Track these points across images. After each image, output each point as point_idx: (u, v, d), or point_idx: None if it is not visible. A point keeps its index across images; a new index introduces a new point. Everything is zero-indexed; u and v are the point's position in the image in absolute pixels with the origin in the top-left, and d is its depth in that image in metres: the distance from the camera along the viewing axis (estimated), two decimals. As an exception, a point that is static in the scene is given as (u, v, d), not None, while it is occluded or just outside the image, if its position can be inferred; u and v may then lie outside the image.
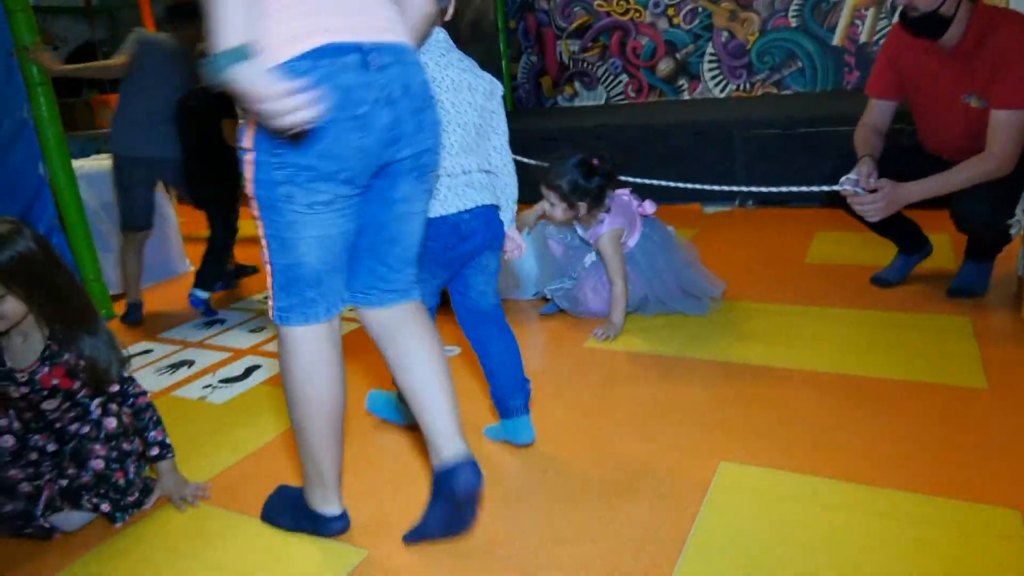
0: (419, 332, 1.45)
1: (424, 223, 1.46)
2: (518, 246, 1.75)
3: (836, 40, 4.89)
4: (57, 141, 2.91)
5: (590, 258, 2.52)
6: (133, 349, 2.70)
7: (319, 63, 1.16)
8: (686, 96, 5.43)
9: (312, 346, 1.38)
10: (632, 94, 5.62)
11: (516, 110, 6.08)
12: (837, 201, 2.39)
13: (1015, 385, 1.86)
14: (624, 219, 2.42)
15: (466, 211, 1.60)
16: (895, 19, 4.01)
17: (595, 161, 2.27)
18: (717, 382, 2.01)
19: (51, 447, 1.63)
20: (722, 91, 5.28)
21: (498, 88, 1.64)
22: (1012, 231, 2.23)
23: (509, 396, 1.76)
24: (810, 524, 1.40)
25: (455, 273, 1.72)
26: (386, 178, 1.33)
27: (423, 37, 1.49)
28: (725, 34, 5.18)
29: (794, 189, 2.52)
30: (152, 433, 1.67)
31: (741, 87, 5.20)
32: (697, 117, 4.16)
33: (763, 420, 1.80)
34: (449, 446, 1.40)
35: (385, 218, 1.37)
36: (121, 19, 7.98)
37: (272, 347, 2.59)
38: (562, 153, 2.30)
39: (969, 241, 2.43)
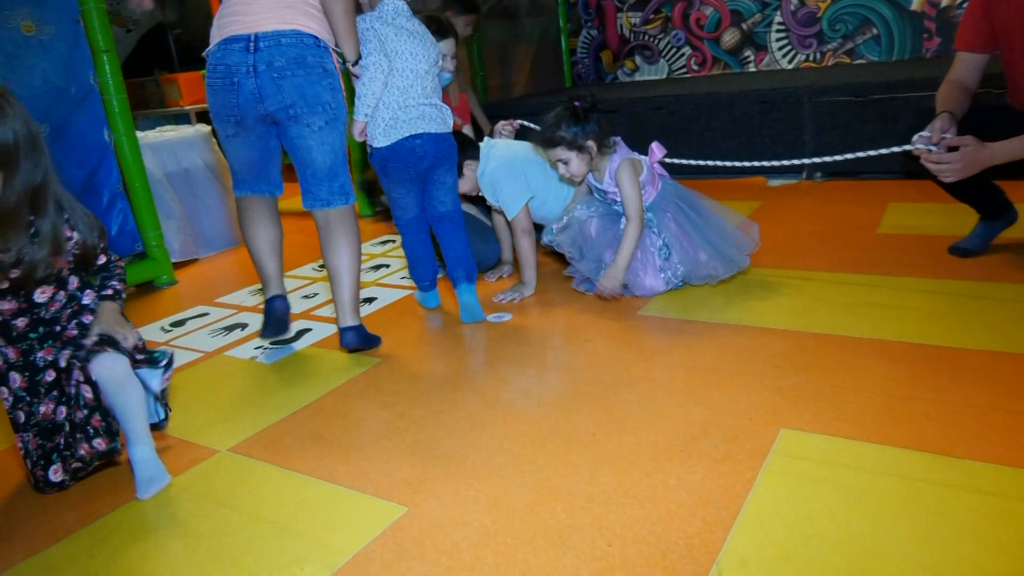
0: (337, 232, 2.09)
1: (326, 152, 2.03)
2: None
3: (915, 4, 4.62)
4: (122, 108, 2.97)
5: (623, 223, 2.40)
6: (191, 312, 2.74)
7: (220, 49, 1.94)
8: (752, 68, 5.23)
9: (242, 205, 2.19)
10: (695, 67, 5.44)
11: (575, 85, 5.97)
12: (914, 166, 2.22)
13: (1113, 357, 1.70)
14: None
15: (417, 136, 2.18)
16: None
17: (576, 103, 2.27)
18: (779, 349, 1.91)
19: (61, 363, 1.57)
20: (790, 62, 5.06)
21: (437, 51, 2.29)
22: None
23: (454, 269, 2.36)
24: (877, 493, 1.30)
25: (422, 186, 2.32)
26: (277, 124, 2.02)
27: (336, 16, 2.00)
28: (795, 2, 4.95)
29: (861, 155, 2.34)
30: (114, 280, 1.68)
31: (811, 57, 4.97)
32: (762, 86, 3.98)
33: (829, 388, 1.69)
34: (343, 317, 2.12)
35: (292, 149, 2.04)
36: (190, 2, 8.16)
37: (322, 312, 2.59)
38: (544, 119, 2.34)
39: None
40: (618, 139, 2.38)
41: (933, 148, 2.04)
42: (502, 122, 2.84)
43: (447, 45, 2.46)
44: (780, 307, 2.18)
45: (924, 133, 2.06)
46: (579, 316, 2.29)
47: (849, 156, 2.40)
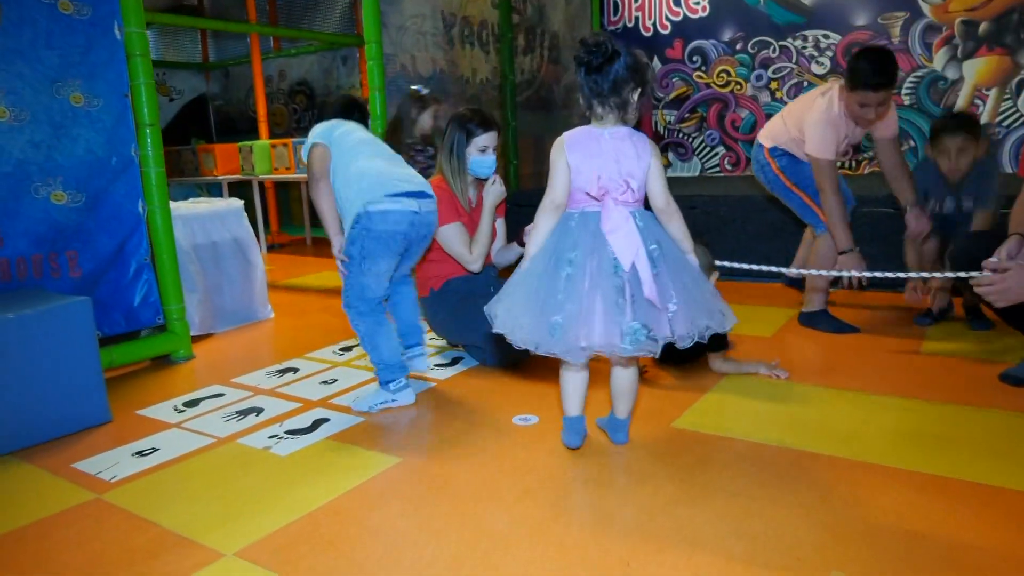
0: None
1: None
2: None
3: (952, 119, 4.63)
4: (159, 181, 2.98)
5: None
6: (205, 392, 2.66)
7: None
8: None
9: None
10: (728, 167, 5.47)
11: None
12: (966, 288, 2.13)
13: None
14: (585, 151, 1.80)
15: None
16: (1021, 101, 3.74)
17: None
18: (825, 479, 1.78)
19: None
20: (824, 168, 5.06)
21: None
22: None
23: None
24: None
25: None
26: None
27: None
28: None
29: (914, 275, 2.27)
30: None
31: (846, 165, 4.98)
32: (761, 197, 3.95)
33: (883, 530, 1.56)
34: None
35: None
36: (233, 75, 8.44)
37: (339, 401, 2.50)
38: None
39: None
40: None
41: (986, 273, 1.96)
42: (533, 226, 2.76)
43: None
44: (825, 429, 2.06)
45: (992, 259, 1.98)
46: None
47: (902, 275, 2.32)
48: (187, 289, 3.25)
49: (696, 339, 1.76)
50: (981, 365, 2.48)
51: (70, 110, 2.74)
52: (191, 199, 4.05)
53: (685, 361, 2.59)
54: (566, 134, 1.82)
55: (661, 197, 1.83)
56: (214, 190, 6.91)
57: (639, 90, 1.79)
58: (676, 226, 1.86)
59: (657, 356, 1.77)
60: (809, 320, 3.12)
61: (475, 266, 2.72)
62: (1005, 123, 4.50)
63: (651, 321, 1.71)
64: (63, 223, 2.74)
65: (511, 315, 1.78)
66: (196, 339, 3.31)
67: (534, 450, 2.04)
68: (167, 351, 3.07)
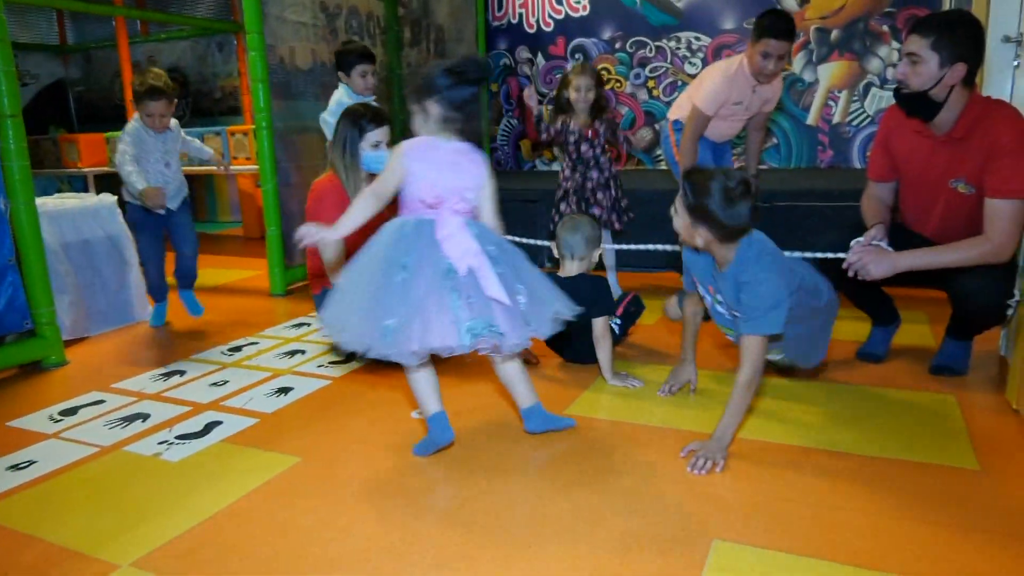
0: None
1: None
2: None
3: (810, 119, 5.03)
4: (23, 176, 2.79)
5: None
6: (83, 400, 2.53)
7: None
8: (663, 166, 5.49)
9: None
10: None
11: (495, 172, 6.09)
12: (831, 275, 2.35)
13: (1006, 467, 1.81)
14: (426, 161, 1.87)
15: None
16: (867, 102, 4.14)
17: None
18: (706, 455, 1.93)
19: None
20: (698, 163, 5.36)
21: None
22: (1009, 311, 2.23)
23: None
24: (816, 614, 1.31)
25: None
26: None
27: None
28: (702, 108, 5.28)
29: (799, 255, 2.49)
30: None
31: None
32: (675, 185, 4.17)
33: (755, 496, 1.72)
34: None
35: None
36: (96, 60, 7.91)
37: (233, 403, 2.45)
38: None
39: (954, 319, 2.42)
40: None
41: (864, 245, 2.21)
42: None
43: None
44: (705, 410, 2.23)
45: (859, 239, 2.23)
46: (506, 415, 2.26)
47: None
48: (57, 291, 3.06)
49: (564, 318, 1.91)
50: (836, 344, 2.74)
51: (-83, 99, 2.52)
52: (56, 195, 3.81)
53: (580, 357, 2.69)
54: (406, 143, 1.88)
55: (492, 216, 1.96)
56: (77, 183, 6.47)
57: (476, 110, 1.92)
58: None
59: (504, 350, 1.87)
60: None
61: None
62: (854, 123, 4.93)
63: (492, 317, 1.79)
64: (-87, 223, 2.52)
65: (340, 317, 1.82)
66: (69, 343, 3.13)
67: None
68: (37, 357, 2.88)
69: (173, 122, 3.36)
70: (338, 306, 1.84)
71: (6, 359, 2.77)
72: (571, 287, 2.32)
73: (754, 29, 3.09)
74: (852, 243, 2.25)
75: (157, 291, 3.49)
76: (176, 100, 3.28)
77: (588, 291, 2.44)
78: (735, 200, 1.84)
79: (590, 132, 3.34)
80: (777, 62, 3.08)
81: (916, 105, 2.19)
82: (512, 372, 2.05)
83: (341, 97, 3.45)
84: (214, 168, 4.39)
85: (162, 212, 3.30)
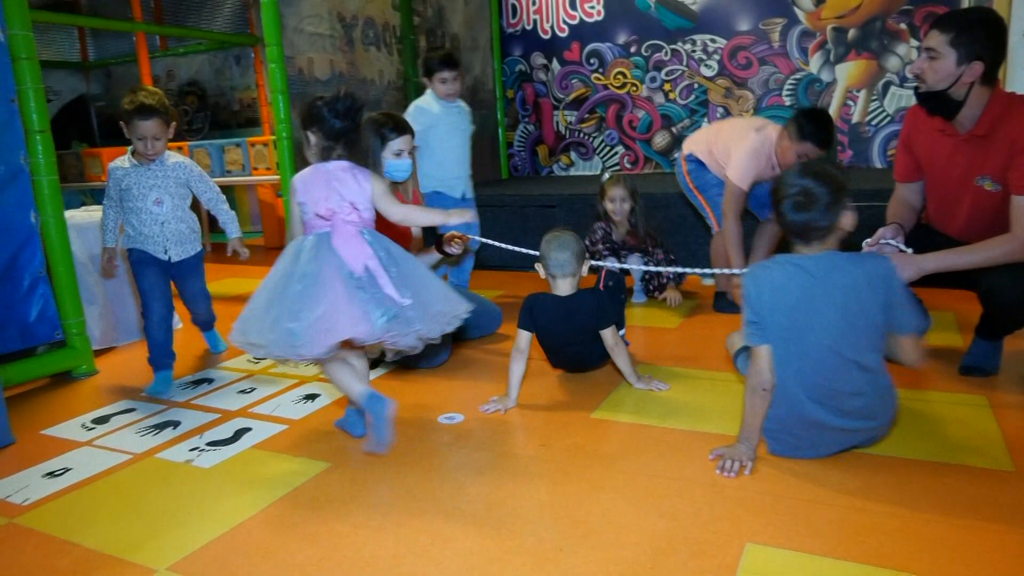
0: None
1: None
2: None
3: (829, 119, 5.00)
4: (52, 190, 2.85)
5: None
6: (115, 408, 2.57)
7: None
8: (680, 169, 5.49)
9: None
10: (628, 165, 5.68)
11: (511, 177, 6.12)
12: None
13: (1043, 468, 1.80)
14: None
15: None
16: (887, 101, 4.11)
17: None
18: (734, 457, 1.93)
19: None
20: (716, 165, 5.35)
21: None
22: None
23: None
24: (852, 615, 1.30)
25: None
26: None
27: None
28: (721, 110, 5.28)
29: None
30: None
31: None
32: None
33: (785, 498, 1.71)
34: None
35: None
36: (116, 75, 8.03)
37: (261, 410, 2.47)
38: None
39: (984, 319, 2.40)
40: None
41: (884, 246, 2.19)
42: (453, 234, 2.79)
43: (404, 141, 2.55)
44: (730, 412, 2.22)
45: (868, 240, 2.21)
46: (532, 419, 2.27)
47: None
48: (86, 302, 3.11)
49: (460, 316, 2.11)
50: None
51: (-49, 117, 2.58)
52: (82, 208, 3.87)
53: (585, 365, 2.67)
54: (296, 177, 2.12)
55: (392, 212, 2.16)
56: (100, 197, 6.56)
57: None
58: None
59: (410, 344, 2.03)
60: (715, 303, 3.41)
61: None
62: (874, 122, 4.91)
63: (396, 310, 1.97)
64: (-52, 237, 2.58)
65: (248, 331, 1.99)
66: (98, 353, 3.18)
67: (462, 447, 2.09)
68: (68, 367, 2.93)
69: (182, 158, 2.83)
70: (246, 323, 2.01)
71: (38, 369, 2.82)
72: (573, 305, 2.37)
73: (796, 126, 2.91)
74: (863, 244, 2.23)
75: (160, 356, 2.79)
76: (173, 122, 2.76)
77: (590, 305, 2.41)
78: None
79: (632, 239, 3.53)
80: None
81: (937, 104, 2.18)
82: (362, 364, 2.21)
83: (420, 101, 3.50)
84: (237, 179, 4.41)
85: (163, 258, 2.79)
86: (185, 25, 7.25)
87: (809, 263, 1.80)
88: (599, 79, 5.66)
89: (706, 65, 5.30)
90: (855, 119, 4.93)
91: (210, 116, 7.42)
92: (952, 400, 2.23)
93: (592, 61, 5.66)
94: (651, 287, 3.61)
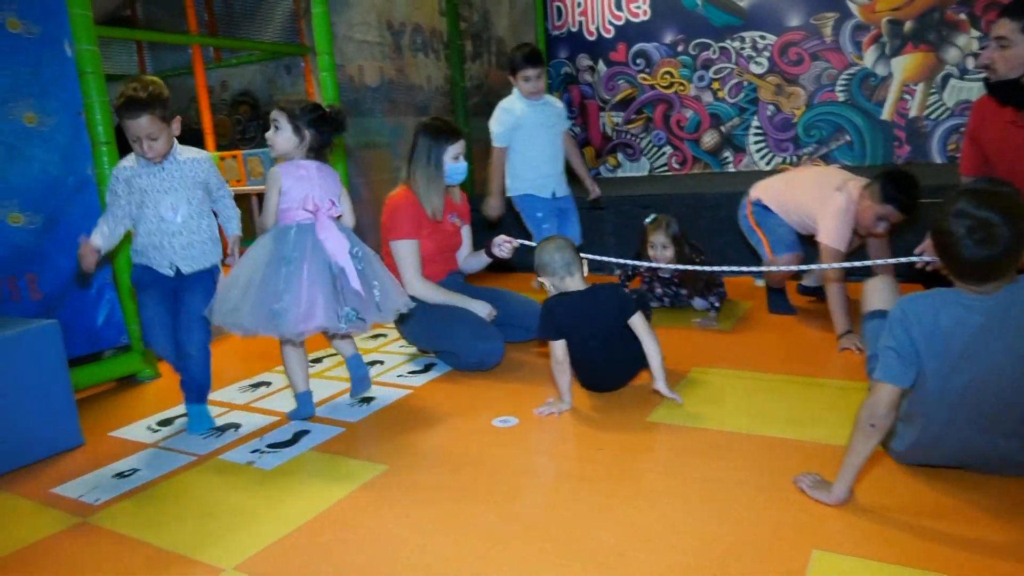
0: None
1: None
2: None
3: (885, 115, 4.87)
4: (116, 199, 2.93)
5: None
6: (178, 411, 2.64)
7: None
8: (731, 168, 5.41)
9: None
10: (676, 166, 5.63)
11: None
12: (916, 276, 2.28)
13: None
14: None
15: None
16: (946, 95, 3.98)
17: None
18: (795, 462, 1.89)
19: None
20: (768, 164, 5.26)
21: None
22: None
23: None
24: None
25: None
26: None
27: None
28: (771, 108, 5.19)
29: (858, 264, 2.38)
30: None
31: (787, 160, 5.18)
32: (745, 187, 4.10)
33: (851, 504, 1.67)
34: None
35: None
36: (172, 86, 8.26)
37: (318, 412, 2.51)
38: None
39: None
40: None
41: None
42: (503, 237, 2.81)
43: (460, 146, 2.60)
44: (789, 415, 2.17)
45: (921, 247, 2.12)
46: (587, 423, 2.26)
47: (859, 264, 2.45)
48: (149, 307, 3.19)
49: (401, 310, 2.41)
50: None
51: (23, 130, 2.69)
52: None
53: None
54: (275, 167, 2.30)
55: (350, 217, 2.44)
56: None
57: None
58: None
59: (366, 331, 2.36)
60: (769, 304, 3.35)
61: (409, 290, 2.71)
62: (932, 116, 4.76)
63: (359, 306, 2.28)
64: (21, 245, 2.68)
65: (231, 308, 2.21)
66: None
67: (517, 450, 2.10)
68: (133, 371, 3.02)
69: (196, 152, 2.43)
70: (228, 300, 2.22)
71: (106, 373, 2.92)
72: (590, 300, 2.33)
73: (879, 187, 2.76)
74: (914, 251, 2.12)
75: (187, 389, 2.48)
76: (177, 116, 2.38)
77: (608, 297, 2.36)
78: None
79: (677, 278, 3.38)
80: (888, 227, 2.85)
81: (1009, 93, 2.11)
82: (343, 343, 2.63)
83: (504, 102, 3.48)
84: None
85: (168, 274, 2.39)
86: (238, 36, 7.42)
87: (984, 306, 1.55)
88: (646, 79, 5.61)
89: (755, 62, 5.22)
90: (912, 113, 4.79)
91: (262, 125, 7.57)
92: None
93: (639, 61, 5.62)
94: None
